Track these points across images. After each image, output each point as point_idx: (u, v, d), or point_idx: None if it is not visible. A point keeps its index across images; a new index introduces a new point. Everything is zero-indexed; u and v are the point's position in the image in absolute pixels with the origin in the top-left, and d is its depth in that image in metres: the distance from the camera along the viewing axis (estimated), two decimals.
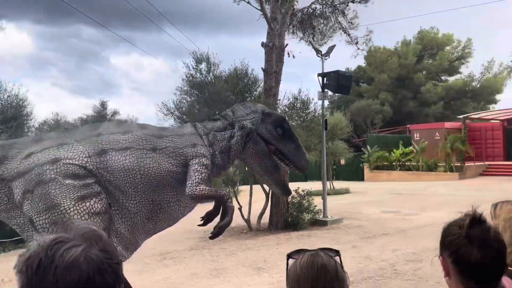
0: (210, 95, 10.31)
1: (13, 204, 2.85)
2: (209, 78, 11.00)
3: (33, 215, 2.73)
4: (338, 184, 19.11)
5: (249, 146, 3.47)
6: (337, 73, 9.86)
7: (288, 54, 11.29)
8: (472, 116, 27.14)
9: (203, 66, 11.09)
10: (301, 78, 70.54)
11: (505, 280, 1.44)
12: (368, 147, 25.98)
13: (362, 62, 39.81)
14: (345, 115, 17.99)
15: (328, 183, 14.38)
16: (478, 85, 37.54)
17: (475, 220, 1.38)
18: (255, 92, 10.87)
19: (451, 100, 37.12)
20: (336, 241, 8.21)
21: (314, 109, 11.65)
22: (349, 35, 13.40)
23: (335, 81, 9.84)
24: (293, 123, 10.38)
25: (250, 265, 6.86)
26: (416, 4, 48.12)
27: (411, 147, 25.14)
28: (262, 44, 10.51)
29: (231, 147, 3.44)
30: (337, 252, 1.35)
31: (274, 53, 10.46)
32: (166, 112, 11.52)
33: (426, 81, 37.04)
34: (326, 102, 11.26)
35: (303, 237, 8.91)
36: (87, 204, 2.79)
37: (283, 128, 3.57)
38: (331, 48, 10.91)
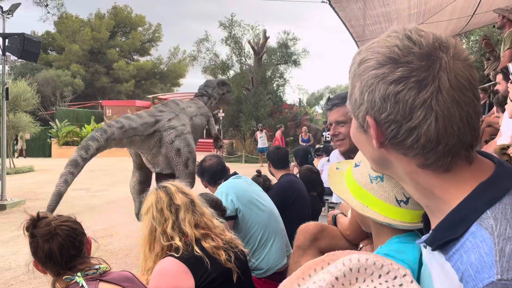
0: None
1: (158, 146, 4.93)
2: None
3: (182, 146, 4.87)
4: (21, 162, 17.02)
5: None
6: (23, 36, 8.58)
7: None
8: (160, 97, 29.53)
9: None
10: None
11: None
12: (57, 121, 24.23)
13: (51, 28, 36.46)
14: (31, 84, 16.07)
15: (8, 160, 12.56)
16: (166, 68, 41.13)
17: (35, 220, 1.59)
18: None
19: (142, 80, 39.19)
20: (18, 226, 7.29)
21: None
22: None
23: (21, 45, 8.56)
24: None
25: None
26: None
27: (103, 123, 25.04)
28: None
29: None
30: None
31: None
32: None
33: (119, 58, 37.57)
34: (7, 68, 9.70)
35: None
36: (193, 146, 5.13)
37: None
38: (15, 6, 9.38)
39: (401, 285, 0.58)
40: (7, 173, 10.27)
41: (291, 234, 3.16)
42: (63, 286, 1.56)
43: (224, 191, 2.98)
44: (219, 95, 6.23)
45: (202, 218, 2.00)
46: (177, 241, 1.87)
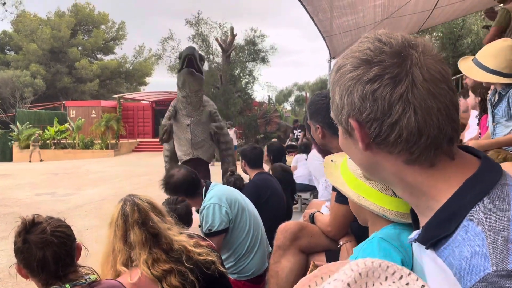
0: None
1: None
2: None
3: None
4: None
5: None
6: None
7: None
8: (126, 96, 28.95)
9: None
10: None
11: None
12: (17, 123, 23.31)
13: (8, 27, 35.02)
14: None
15: None
16: (131, 67, 40.28)
17: (30, 225, 1.49)
18: None
19: (107, 79, 38.26)
20: None
21: None
22: None
23: None
24: None
25: None
26: None
27: (66, 124, 24.33)
28: None
29: None
30: None
31: None
32: None
33: (81, 57, 36.48)
34: None
35: None
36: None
37: None
38: None
39: (407, 284, 0.58)
40: None
41: (266, 232, 3.13)
42: None
43: (216, 203, 2.76)
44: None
45: (170, 247, 1.87)
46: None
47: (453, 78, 9.57)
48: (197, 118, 5.81)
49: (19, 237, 1.49)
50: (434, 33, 13.97)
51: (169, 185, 2.87)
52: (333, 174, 1.30)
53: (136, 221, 1.83)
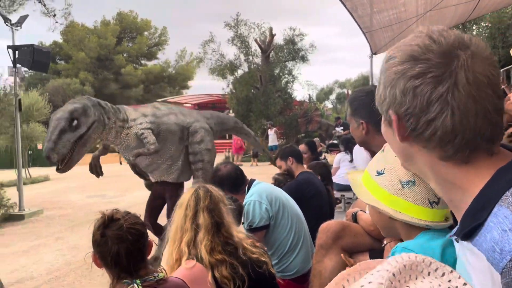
0: None
1: None
2: None
3: None
4: (36, 171, 17.24)
5: None
6: (32, 47, 8.69)
7: None
8: (170, 100, 29.66)
9: None
10: None
11: None
12: None
13: (58, 38, 36.83)
14: (43, 94, 16.24)
15: (23, 171, 12.73)
16: (174, 72, 41.23)
17: (109, 220, 1.58)
18: None
19: (151, 84, 39.37)
20: (37, 236, 7.39)
21: (4, 86, 9.95)
22: (44, 5, 12.07)
23: (31, 57, 8.67)
24: None
25: None
26: None
27: None
28: None
29: None
30: None
31: None
32: None
33: (126, 63, 37.80)
34: (18, 80, 9.78)
35: None
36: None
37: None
38: (23, 18, 9.46)
39: (449, 281, 0.59)
40: (24, 184, 10.38)
41: (309, 231, 3.12)
42: None
43: (257, 200, 2.82)
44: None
45: (228, 240, 1.96)
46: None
47: (504, 69, 9.10)
48: (123, 144, 4.95)
49: (97, 231, 1.58)
50: (482, 23, 13.33)
51: (215, 178, 3.02)
52: (361, 192, 1.30)
53: (206, 206, 1.95)
